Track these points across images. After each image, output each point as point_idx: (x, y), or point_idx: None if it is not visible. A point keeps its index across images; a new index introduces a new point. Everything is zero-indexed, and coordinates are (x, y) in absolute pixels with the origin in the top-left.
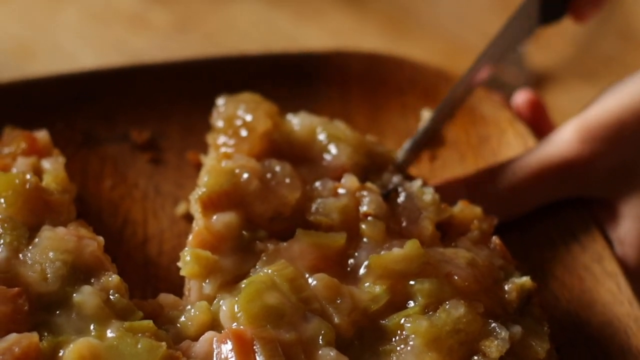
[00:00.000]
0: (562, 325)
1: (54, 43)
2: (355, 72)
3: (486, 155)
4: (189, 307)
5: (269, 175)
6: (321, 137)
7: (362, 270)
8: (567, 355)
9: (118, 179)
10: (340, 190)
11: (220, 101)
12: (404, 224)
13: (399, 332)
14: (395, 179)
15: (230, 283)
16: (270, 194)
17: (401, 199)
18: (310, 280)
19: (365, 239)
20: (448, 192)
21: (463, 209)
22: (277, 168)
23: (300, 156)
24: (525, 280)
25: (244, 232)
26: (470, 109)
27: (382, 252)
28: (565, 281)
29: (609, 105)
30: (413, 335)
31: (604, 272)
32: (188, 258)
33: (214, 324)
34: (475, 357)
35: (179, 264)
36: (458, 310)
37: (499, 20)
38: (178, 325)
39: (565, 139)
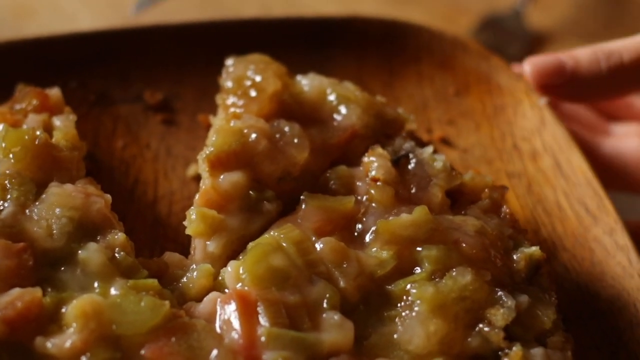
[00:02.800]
0: (571, 297)
1: (53, 3)
2: (372, 38)
3: (501, 124)
4: (193, 266)
5: (277, 136)
6: (331, 97)
7: (369, 235)
8: (576, 327)
9: (130, 138)
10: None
11: (230, 62)
12: (413, 190)
13: (404, 297)
14: (407, 145)
15: (235, 243)
16: (279, 154)
17: (411, 165)
18: (317, 244)
19: (373, 204)
20: (552, 67)
21: (474, 177)
22: (286, 128)
23: (310, 117)
24: (535, 250)
25: (251, 192)
26: (487, 79)
27: (390, 218)
28: (576, 253)
29: None
30: (418, 301)
31: (616, 245)
32: (193, 217)
33: (217, 286)
34: (481, 325)
35: (185, 222)
36: (465, 278)
37: None
38: (181, 285)
39: None
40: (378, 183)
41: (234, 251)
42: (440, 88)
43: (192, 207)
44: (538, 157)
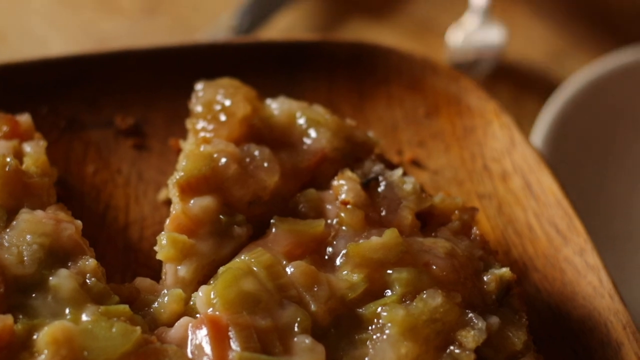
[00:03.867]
0: (542, 317)
1: (24, 27)
2: (341, 60)
3: (472, 145)
4: (164, 291)
5: (247, 160)
6: (300, 121)
7: (340, 259)
8: (547, 348)
9: (101, 164)
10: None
11: (199, 86)
12: (383, 213)
13: (375, 320)
14: (376, 168)
15: (206, 268)
16: (249, 178)
17: (381, 188)
18: (287, 267)
19: (344, 227)
20: None
21: (444, 199)
22: (256, 152)
23: (280, 140)
24: (505, 271)
25: (221, 217)
26: (456, 100)
27: (361, 241)
28: (547, 274)
29: None
30: (389, 324)
31: (586, 265)
32: (164, 242)
33: (189, 311)
34: (452, 347)
35: (156, 247)
36: (435, 300)
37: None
38: (152, 310)
39: None
40: (348, 206)
41: (205, 276)
42: (410, 110)
43: (162, 232)
44: (508, 178)
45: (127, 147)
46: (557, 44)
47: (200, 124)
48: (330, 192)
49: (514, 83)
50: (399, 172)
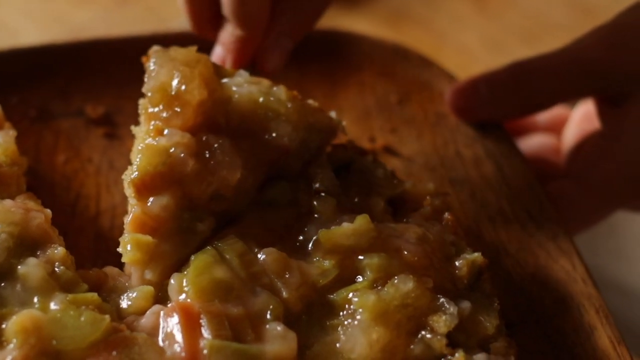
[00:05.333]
0: (515, 302)
1: None
2: (313, 48)
3: (444, 132)
4: (133, 290)
5: (207, 154)
6: (261, 110)
7: (311, 245)
8: (519, 332)
9: (72, 153)
10: None
11: (152, 61)
12: (355, 199)
13: (346, 306)
14: (348, 154)
15: (172, 268)
16: (209, 175)
17: (353, 174)
18: (259, 255)
19: (316, 215)
20: (469, 91)
21: (416, 185)
22: (216, 145)
23: (241, 128)
24: (477, 256)
25: (183, 214)
26: (428, 87)
27: (332, 227)
28: (519, 258)
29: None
30: (360, 310)
31: (559, 250)
32: (129, 247)
33: (160, 299)
34: (423, 332)
35: (119, 249)
36: (406, 285)
37: None
38: (121, 303)
39: (591, 42)
40: (321, 194)
41: (170, 275)
42: (383, 97)
43: (125, 235)
44: (480, 164)
45: (98, 136)
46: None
47: (153, 109)
48: (302, 180)
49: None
50: (370, 158)
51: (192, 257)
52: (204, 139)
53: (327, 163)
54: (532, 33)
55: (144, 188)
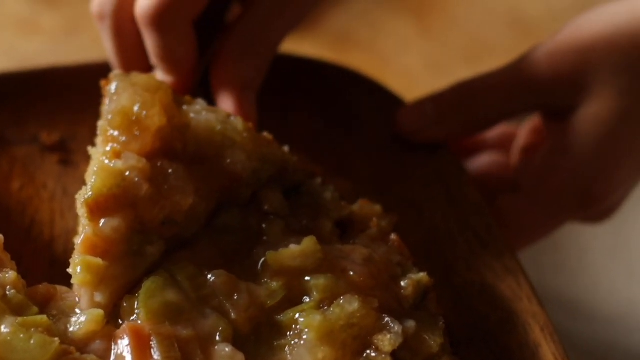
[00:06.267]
0: (462, 321)
1: None
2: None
3: (392, 154)
4: (84, 312)
5: (161, 179)
6: (218, 137)
7: (260, 267)
8: (466, 351)
9: (27, 179)
10: None
11: (114, 85)
12: (304, 221)
13: (293, 327)
14: (297, 177)
15: (121, 291)
16: (162, 200)
17: (302, 197)
18: (209, 276)
19: (264, 237)
20: (416, 112)
21: (363, 206)
22: (170, 171)
23: (196, 155)
24: (422, 276)
25: (134, 236)
26: (377, 110)
27: (280, 249)
28: (467, 278)
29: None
30: (307, 330)
31: (505, 269)
32: (79, 269)
33: (112, 321)
34: (369, 351)
35: (69, 270)
36: (352, 305)
37: (386, 12)
38: (71, 325)
39: (533, 58)
40: (270, 217)
41: (120, 299)
42: (332, 120)
43: (75, 256)
44: (428, 185)
45: (53, 163)
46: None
47: (113, 132)
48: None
49: None
50: (318, 180)
51: (144, 281)
52: (159, 164)
53: (276, 185)
54: (474, 54)
55: (97, 209)
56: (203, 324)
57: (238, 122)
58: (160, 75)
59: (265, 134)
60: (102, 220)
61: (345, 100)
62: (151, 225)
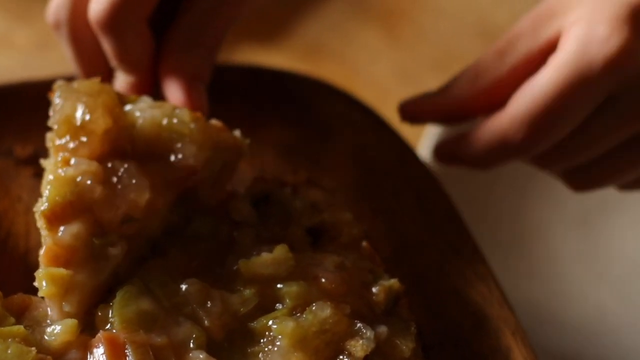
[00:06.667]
0: (433, 327)
1: None
2: (235, 85)
3: (365, 162)
4: (58, 322)
5: (114, 179)
6: (165, 133)
7: (232, 275)
8: (438, 355)
9: (2, 192)
10: None
11: (57, 95)
12: (275, 230)
13: (267, 333)
14: (267, 186)
15: (89, 297)
16: (118, 199)
17: (272, 206)
18: (182, 284)
19: (236, 246)
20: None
21: (334, 214)
22: (122, 170)
23: (147, 152)
24: (393, 282)
25: (94, 240)
26: (349, 120)
27: (252, 257)
28: (439, 284)
29: None
30: (280, 336)
31: (476, 275)
32: (44, 283)
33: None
34: (341, 357)
35: (35, 283)
36: (324, 312)
37: (358, 22)
38: (46, 335)
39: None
40: (241, 225)
41: (89, 305)
42: (305, 130)
43: (40, 270)
44: (400, 194)
45: (27, 176)
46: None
47: (61, 141)
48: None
49: None
50: (288, 190)
51: (118, 289)
52: (109, 165)
53: (245, 195)
54: (443, 63)
55: (55, 218)
56: (177, 331)
57: (184, 114)
58: (122, 76)
59: (214, 121)
60: (61, 229)
61: (317, 111)
62: (111, 227)
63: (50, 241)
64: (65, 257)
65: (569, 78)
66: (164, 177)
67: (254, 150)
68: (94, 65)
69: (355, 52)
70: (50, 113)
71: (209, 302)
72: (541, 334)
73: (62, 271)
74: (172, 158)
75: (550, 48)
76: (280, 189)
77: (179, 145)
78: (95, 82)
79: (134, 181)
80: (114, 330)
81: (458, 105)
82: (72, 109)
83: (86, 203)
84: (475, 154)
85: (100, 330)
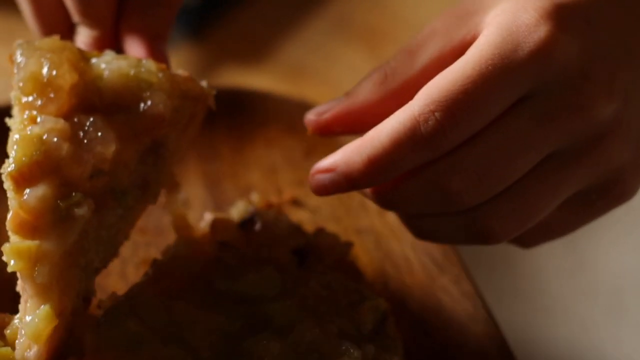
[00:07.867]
0: (420, 345)
1: None
2: (220, 105)
3: None
4: (27, 318)
5: (80, 134)
6: (133, 82)
7: (220, 296)
8: None
9: None
10: None
11: (19, 53)
12: (261, 251)
13: (254, 354)
14: (252, 208)
15: (60, 263)
16: (85, 153)
17: (258, 227)
18: (169, 306)
19: (223, 267)
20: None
21: (320, 235)
22: (87, 123)
23: (114, 104)
24: (380, 301)
25: (59, 203)
26: (332, 140)
27: (239, 278)
28: (424, 303)
29: None
30: (267, 357)
31: (461, 293)
32: (12, 262)
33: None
34: None
35: (4, 258)
36: (311, 332)
37: (340, 43)
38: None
39: None
40: (227, 246)
41: (62, 271)
42: (289, 151)
43: (5, 244)
44: (384, 213)
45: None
46: None
47: (27, 99)
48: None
49: None
50: (273, 212)
51: (107, 310)
52: (75, 120)
53: (230, 217)
54: None
55: (22, 180)
56: (164, 353)
57: (151, 65)
58: (84, 32)
59: (181, 71)
60: (27, 192)
61: (302, 131)
62: (80, 182)
63: (16, 204)
64: (31, 223)
65: (492, 59)
66: (132, 128)
67: (239, 171)
68: (54, 23)
69: (338, 72)
70: (15, 71)
71: (195, 323)
72: (527, 351)
73: (29, 243)
74: (141, 107)
75: (464, 48)
76: (265, 211)
77: (147, 93)
78: (55, 39)
79: (100, 134)
80: (101, 353)
81: (365, 109)
82: (38, 66)
83: (53, 161)
84: (380, 151)
85: (89, 353)
